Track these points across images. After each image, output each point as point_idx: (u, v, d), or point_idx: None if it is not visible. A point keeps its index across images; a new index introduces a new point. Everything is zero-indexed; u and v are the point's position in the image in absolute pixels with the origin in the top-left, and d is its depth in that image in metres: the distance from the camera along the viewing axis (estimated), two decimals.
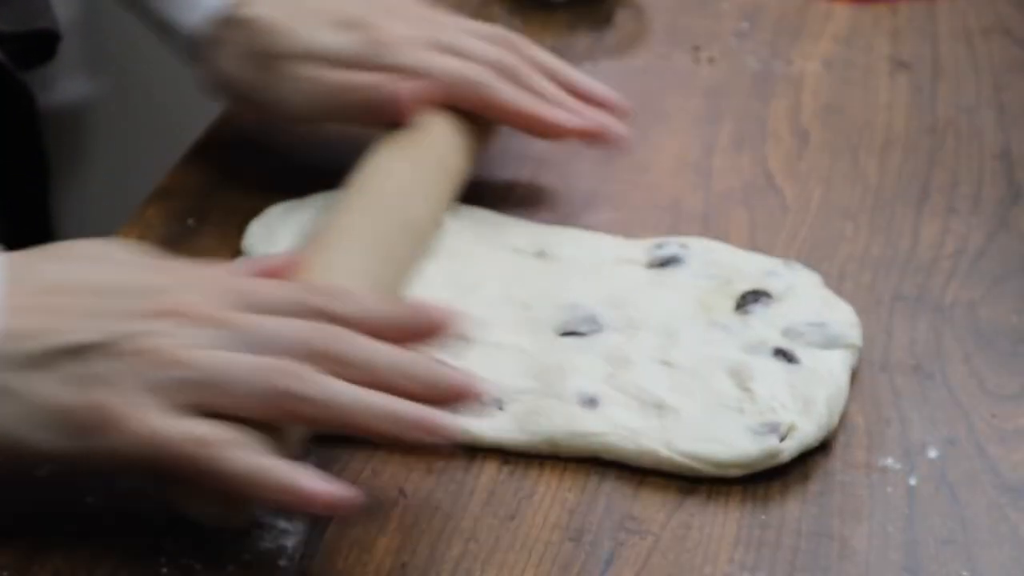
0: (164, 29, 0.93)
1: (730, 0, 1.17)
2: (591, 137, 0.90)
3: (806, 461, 0.74)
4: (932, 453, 0.75)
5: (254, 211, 0.90)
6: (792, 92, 1.06)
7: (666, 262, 0.85)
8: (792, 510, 0.72)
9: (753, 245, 0.89)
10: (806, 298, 0.81)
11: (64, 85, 1.13)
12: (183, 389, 0.65)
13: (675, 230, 0.90)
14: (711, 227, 0.91)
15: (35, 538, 0.70)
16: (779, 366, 0.77)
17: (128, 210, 0.93)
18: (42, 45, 0.91)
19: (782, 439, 0.73)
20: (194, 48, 0.91)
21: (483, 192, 0.93)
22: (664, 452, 0.73)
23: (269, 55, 0.90)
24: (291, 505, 0.65)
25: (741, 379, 0.76)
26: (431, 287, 0.83)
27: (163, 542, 0.69)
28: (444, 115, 0.88)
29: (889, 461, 0.74)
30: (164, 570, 0.68)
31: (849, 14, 1.15)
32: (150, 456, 0.65)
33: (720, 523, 0.71)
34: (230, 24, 0.90)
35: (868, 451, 0.75)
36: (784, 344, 0.78)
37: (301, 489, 0.64)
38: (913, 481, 0.73)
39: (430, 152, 0.86)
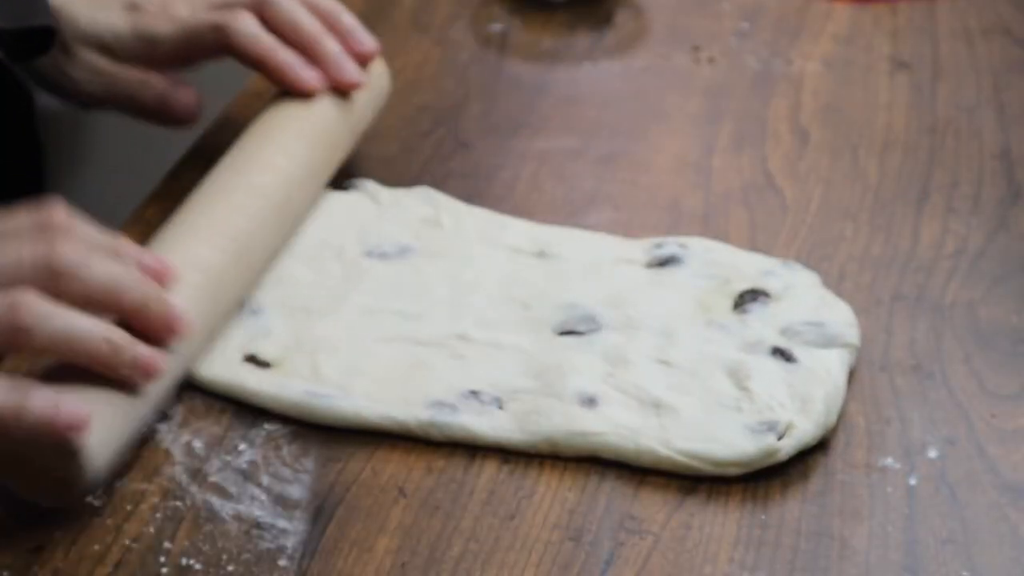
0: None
1: (730, 0, 1.17)
2: (337, 88, 0.91)
3: (806, 461, 0.74)
4: (932, 453, 0.75)
5: None
6: (792, 92, 1.06)
7: (665, 262, 0.85)
8: (792, 510, 0.72)
9: (753, 245, 0.89)
10: (804, 298, 0.82)
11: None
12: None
13: (675, 230, 0.90)
14: (711, 227, 0.91)
15: (35, 538, 0.70)
16: (777, 365, 0.77)
17: (128, 210, 0.93)
18: (38, 41, 0.91)
19: (780, 438, 0.73)
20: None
21: (483, 192, 0.93)
22: (663, 451, 0.73)
23: (64, 41, 0.93)
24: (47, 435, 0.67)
25: (739, 378, 0.76)
26: (431, 287, 0.83)
27: (163, 542, 0.69)
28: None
29: (889, 461, 0.74)
30: (164, 570, 0.68)
31: (849, 14, 1.15)
32: None
33: (720, 523, 0.71)
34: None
35: (868, 451, 0.75)
36: (782, 343, 0.78)
37: (51, 418, 0.67)
38: (913, 481, 0.73)
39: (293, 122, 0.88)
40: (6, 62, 0.90)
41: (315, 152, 0.87)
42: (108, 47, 0.94)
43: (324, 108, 0.89)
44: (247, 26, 0.89)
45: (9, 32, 0.89)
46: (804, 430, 0.73)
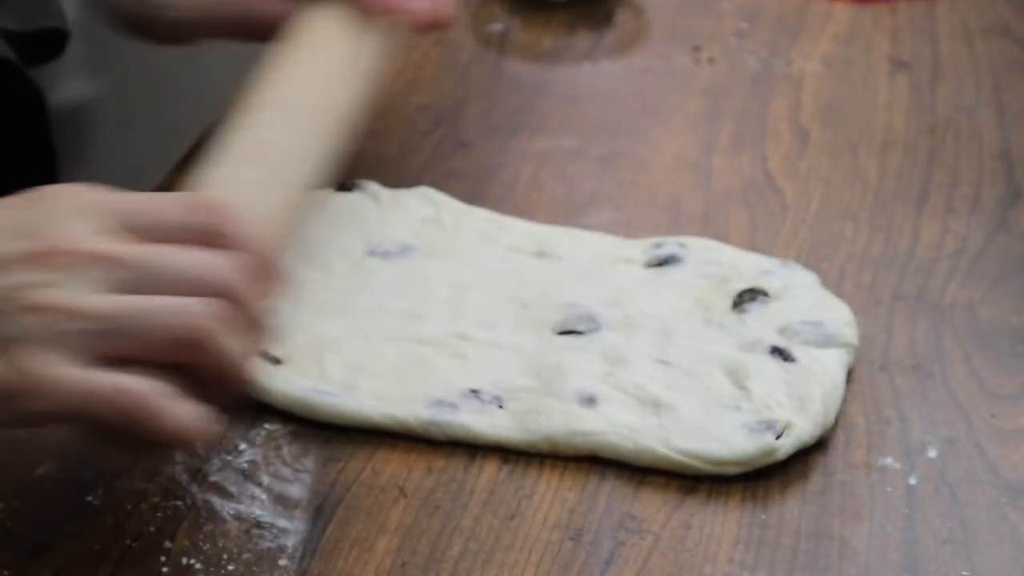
0: None
1: (730, 0, 1.17)
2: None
3: (806, 461, 0.74)
4: (932, 453, 0.75)
5: None
6: (792, 92, 1.06)
7: (664, 261, 0.85)
8: (792, 510, 0.72)
9: (753, 245, 0.89)
10: (803, 297, 0.82)
11: (65, 85, 1.13)
12: (90, 340, 0.63)
13: (675, 230, 0.90)
14: (711, 227, 0.91)
15: (35, 538, 0.70)
16: (776, 364, 0.77)
17: None
18: (51, 43, 0.92)
19: (778, 436, 0.73)
20: None
21: (483, 192, 0.94)
22: (662, 450, 0.73)
23: None
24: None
25: (738, 377, 0.76)
26: (432, 286, 0.83)
27: (163, 542, 0.69)
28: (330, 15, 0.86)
29: (889, 461, 0.74)
30: (164, 570, 0.68)
31: (849, 14, 1.15)
32: (77, 412, 0.63)
33: (720, 523, 0.71)
34: None
35: (868, 451, 0.75)
36: (781, 343, 0.78)
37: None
38: (913, 481, 0.73)
39: (324, 49, 0.84)
40: (18, 64, 0.90)
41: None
42: None
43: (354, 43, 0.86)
44: None
45: (21, 34, 0.90)
46: (803, 429, 0.73)
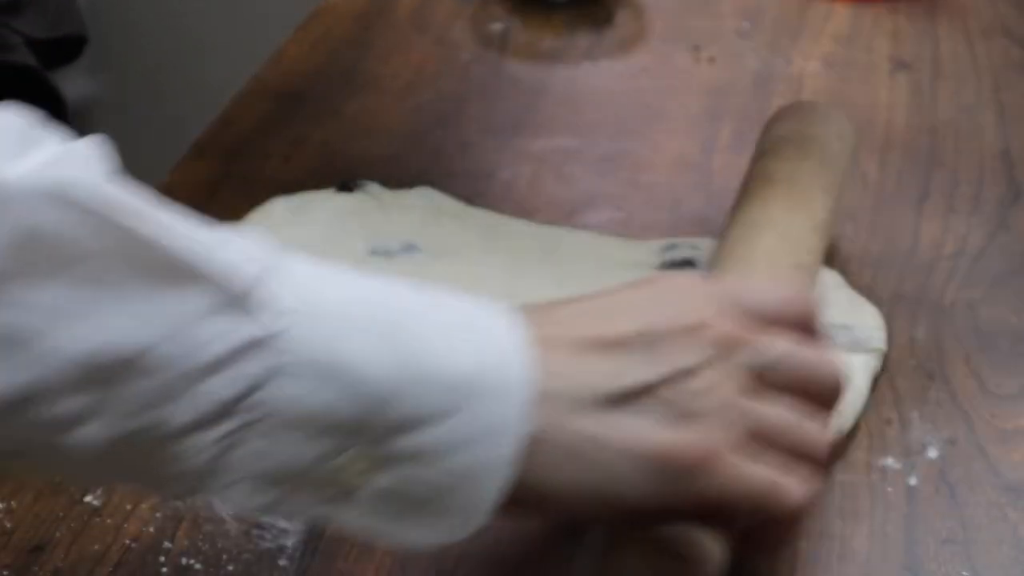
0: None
1: (730, 0, 1.17)
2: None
3: None
4: (932, 453, 0.75)
5: (252, 211, 0.90)
6: (792, 92, 1.06)
7: (680, 264, 0.84)
8: None
9: None
10: (832, 299, 0.80)
11: (65, 85, 1.14)
12: (750, 435, 0.59)
13: (675, 230, 0.90)
14: (711, 227, 0.91)
15: (35, 538, 0.70)
16: None
17: None
18: (69, 47, 0.93)
19: None
20: None
21: (483, 192, 0.94)
22: None
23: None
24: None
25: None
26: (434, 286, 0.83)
27: (163, 542, 0.69)
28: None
29: (889, 461, 0.74)
30: (164, 570, 0.68)
31: (849, 14, 1.15)
32: (735, 501, 0.59)
33: None
34: None
35: (868, 451, 0.75)
36: None
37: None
38: (913, 481, 0.73)
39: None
40: (40, 70, 0.91)
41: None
42: None
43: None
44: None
45: (43, 41, 0.91)
46: None
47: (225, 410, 0.54)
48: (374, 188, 0.91)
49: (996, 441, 0.75)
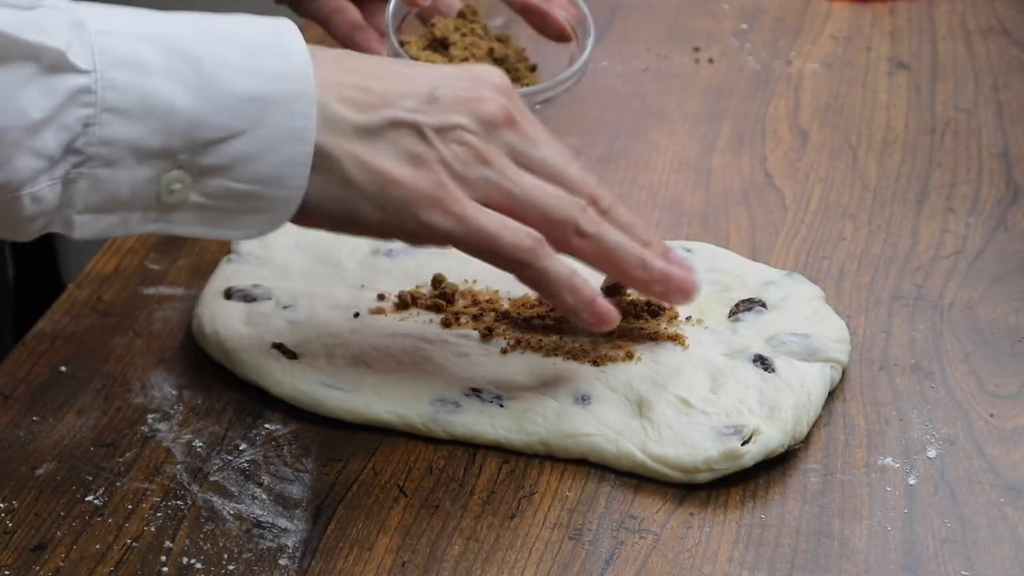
0: None
1: (730, 0, 1.17)
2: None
3: (806, 461, 0.74)
4: (931, 452, 0.75)
5: None
6: (791, 92, 1.06)
7: None
8: (792, 510, 0.72)
9: (752, 245, 0.89)
10: (798, 310, 0.81)
11: None
12: (491, 190, 0.72)
13: (675, 230, 0.90)
14: (710, 227, 0.91)
15: (35, 538, 0.70)
16: (755, 372, 0.77)
17: None
18: None
19: (745, 442, 0.73)
20: None
21: None
22: (640, 456, 0.73)
23: None
24: (580, 317, 0.74)
25: (716, 382, 0.76)
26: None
27: (164, 541, 0.69)
28: None
29: (888, 460, 0.74)
30: (164, 570, 0.68)
31: (848, 14, 1.15)
32: (461, 238, 0.71)
33: (720, 522, 0.71)
34: None
35: (868, 450, 0.75)
36: (766, 352, 0.78)
37: (596, 307, 0.74)
38: (912, 480, 0.73)
39: None
40: None
41: None
42: None
43: None
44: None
45: None
46: (770, 436, 0.73)
47: (58, 157, 0.65)
48: None
49: (995, 440, 0.75)
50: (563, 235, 0.73)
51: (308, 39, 0.70)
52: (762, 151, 0.99)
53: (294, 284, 0.84)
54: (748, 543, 0.70)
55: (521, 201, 0.72)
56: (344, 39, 0.94)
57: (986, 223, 0.92)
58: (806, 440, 0.75)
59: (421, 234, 0.71)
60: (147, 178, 0.68)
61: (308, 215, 0.71)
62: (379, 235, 0.73)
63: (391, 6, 0.91)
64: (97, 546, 0.69)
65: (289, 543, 0.70)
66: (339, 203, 0.71)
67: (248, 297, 0.83)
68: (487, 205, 0.72)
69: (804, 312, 0.81)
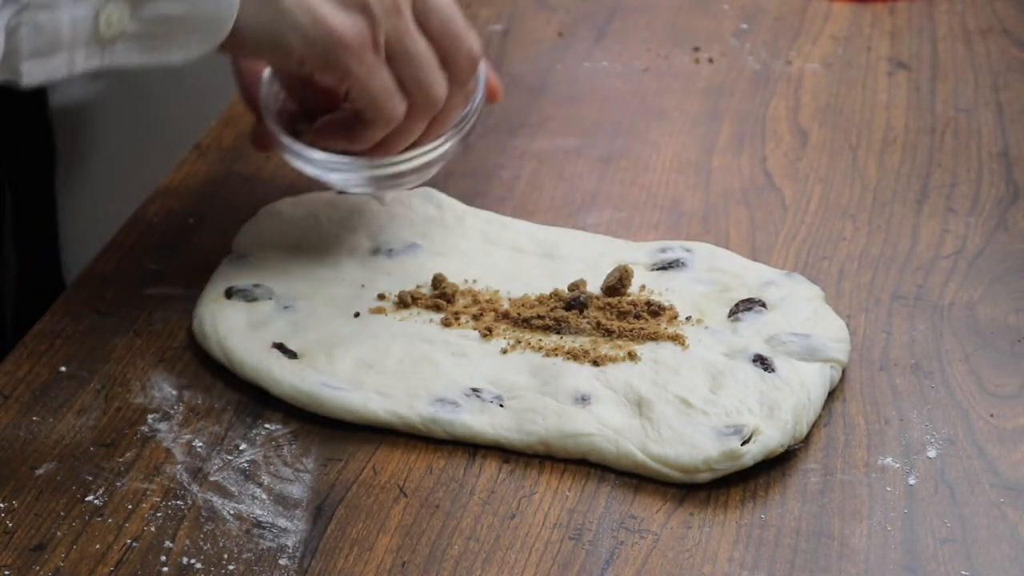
0: None
1: (730, 0, 1.17)
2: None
3: (806, 461, 0.74)
4: (931, 452, 0.75)
5: (253, 211, 0.90)
6: (791, 92, 1.06)
7: (668, 266, 0.85)
8: (792, 510, 0.72)
9: (752, 245, 0.89)
10: (798, 309, 0.81)
11: (67, 85, 1.14)
12: (390, 43, 0.79)
13: (675, 230, 0.90)
14: (710, 227, 0.91)
15: (35, 538, 0.70)
16: (755, 372, 0.77)
17: (130, 208, 0.93)
18: None
19: (745, 442, 0.73)
20: None
21: (483, 192, 0.94)
22: (639, 456, 0.73)
23: None
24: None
25: (716, 382, 0.76)
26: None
27: (164, 541, 0.69)
28: None
29: (888, 460, 0.74)
30: (164, 570, 0.68)
31: (848, 14, 1.15)
32: (362, 89, 0.78)
33: (720, 522, 0.71)
34: None
35: (868, 450, 0.75)
36: (765, 352, 0.78)
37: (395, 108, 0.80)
38: (912, 480, 0.73)
39: None
40: None
41: None
42: None
43: None
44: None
45: None
46: (770, 436, 0.73)
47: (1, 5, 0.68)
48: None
49: (995, 440, 0.75)
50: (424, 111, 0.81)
51: None
52: (762, 151, 0.99)
53: (294, 284, 0.84)
54: (748, 543, 0.70)
55: (406, 66, 0.79)
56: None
57: (986, 223, 0.92)
58: (806, 440, 0.75)
59: (335, 73, 0.78)
60: (85, 15, 0.72)
61: (238, 40, 0.76)
62: (298, 67, 0.78)
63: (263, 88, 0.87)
64: (97, 546, 0.69)
65: (289, 543, 0.70)
66: (268, 31, 0.76)
67: (249, 297, 0.83)
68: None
69: (804, 312, 0.81)
